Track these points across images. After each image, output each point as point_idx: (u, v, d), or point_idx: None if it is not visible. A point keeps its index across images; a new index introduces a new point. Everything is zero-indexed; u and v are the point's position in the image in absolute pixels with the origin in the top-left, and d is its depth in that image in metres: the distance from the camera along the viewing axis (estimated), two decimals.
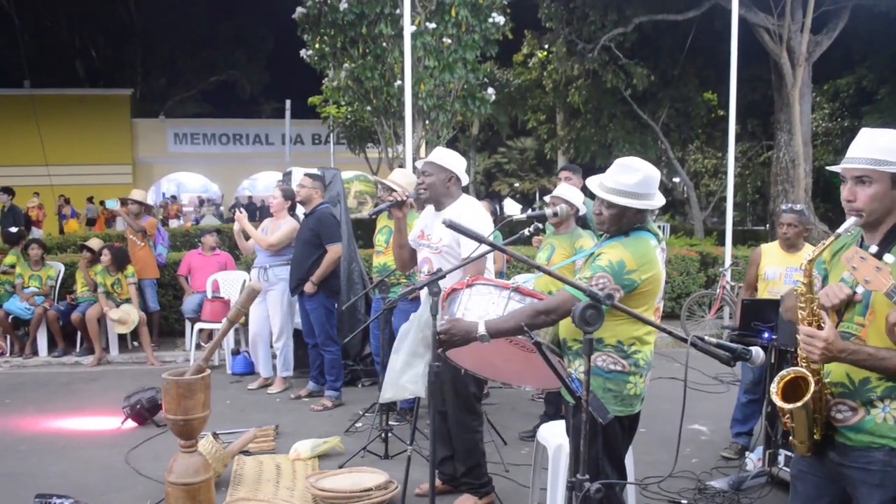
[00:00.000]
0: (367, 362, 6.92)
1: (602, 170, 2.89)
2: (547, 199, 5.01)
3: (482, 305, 2.80)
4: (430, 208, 3.94)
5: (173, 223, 20.90)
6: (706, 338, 2.32)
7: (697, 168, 24.14)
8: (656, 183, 2.75)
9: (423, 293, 3.56)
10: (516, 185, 41.08)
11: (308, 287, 5.95)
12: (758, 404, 4.82)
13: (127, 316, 7.63)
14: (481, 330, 2.68)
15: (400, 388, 3.27)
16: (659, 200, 2.75)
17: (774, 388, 2.17)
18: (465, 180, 3.85)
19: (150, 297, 8.17)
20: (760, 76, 17.14)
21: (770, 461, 4.31)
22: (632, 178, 2.70)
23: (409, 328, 3.33)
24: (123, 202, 8.37)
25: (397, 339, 3.39)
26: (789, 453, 4.10)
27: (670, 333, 2.46)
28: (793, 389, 2.16)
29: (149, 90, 30.87)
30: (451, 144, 25.66)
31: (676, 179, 23.36)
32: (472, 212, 3.71)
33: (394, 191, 5.11)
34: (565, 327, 2.80)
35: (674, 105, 18.94)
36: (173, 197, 26.82)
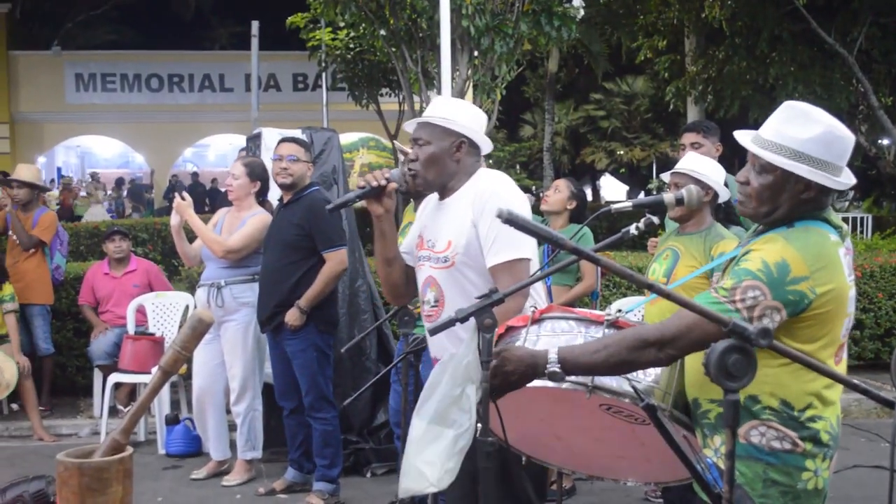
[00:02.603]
0: (380, 437, 6.99)
1: (759, 127, 2.89)
2: (666, 176, 5.01)
3: None
4: (431, 198, 3.97)
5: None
6: None
7: None
8: (847, 148, 2.74)
9: (468, 327, 3.56)
10: (619, 152, 40.96)
11: (293, 317, 6.00)
12: None
13: (1, 369, 7.69)
14: (553, 360, 2.67)
15: (416, 475, 3.24)
16: (848, 177, 2.74)
17: None
18: (485, 147, 3.86)
19: (40, 334, 8.31)
20: None
21: None
22: (807, 129, 2.69)
23: (439, 376, 3.30)
24: (3, 183, 8.54)
25: (422, 395, 3.36)
26: None
27: (867, 392, 2.43)
28: None
29: (36, 6, 31.48)
30: (514, 90, 25.55)
31: (884, 142, 22.98)
32: (495, 195, 3.64)
33: None
34: (696, 382, 2.81)
35: (878, 20, 18.66)
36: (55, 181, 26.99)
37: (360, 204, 3.98)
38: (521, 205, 3.73)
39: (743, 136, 2.81)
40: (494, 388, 2.74)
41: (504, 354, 2.74)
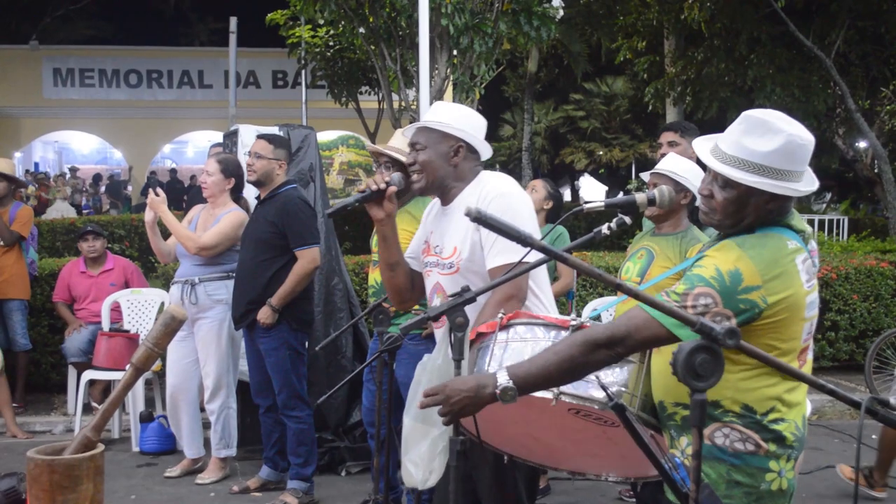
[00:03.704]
0: (355, 436, 7.00)
1: None
2: (646, 176, 5.01)
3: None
4: (434, 203, 3.96)
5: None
6: None
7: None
8: (809, 151, 2.72)
9: (442, 329, 3.58)
10: (599, 152, 41.06)
11: (265, 314, 6.01)
12: None
13: None
14: (502, 381, 2.66)
15: (405, 472, 3.28)
16: (809, 183, 2.74)
17: None
18: (485, 151, 3.85)
19: (18, 329, 8.29)
20: None
21: None
22: (769, 141, 2.67)
23: (420, 375, 3.33)
24: None
25: (409, 393, 3.36)
26: None
27: (833, 393, 2.41)
28: None
29: (14, 0, 31.31)
30: (494, 90, 25.58)
31: (861, 145, 23.09)
32: (502, 197, 3.63)
33: (401, 165, 5.14)
34: (661, 385, 2.82)
35: (856, 23, 18.75)
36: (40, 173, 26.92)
37: (339, 205, 3.95)
38: (526, 206, 3.72)
39: (703, 151, 2.80)
40: (446, 417, 2.78)
41: (447, 392, 2.74)
